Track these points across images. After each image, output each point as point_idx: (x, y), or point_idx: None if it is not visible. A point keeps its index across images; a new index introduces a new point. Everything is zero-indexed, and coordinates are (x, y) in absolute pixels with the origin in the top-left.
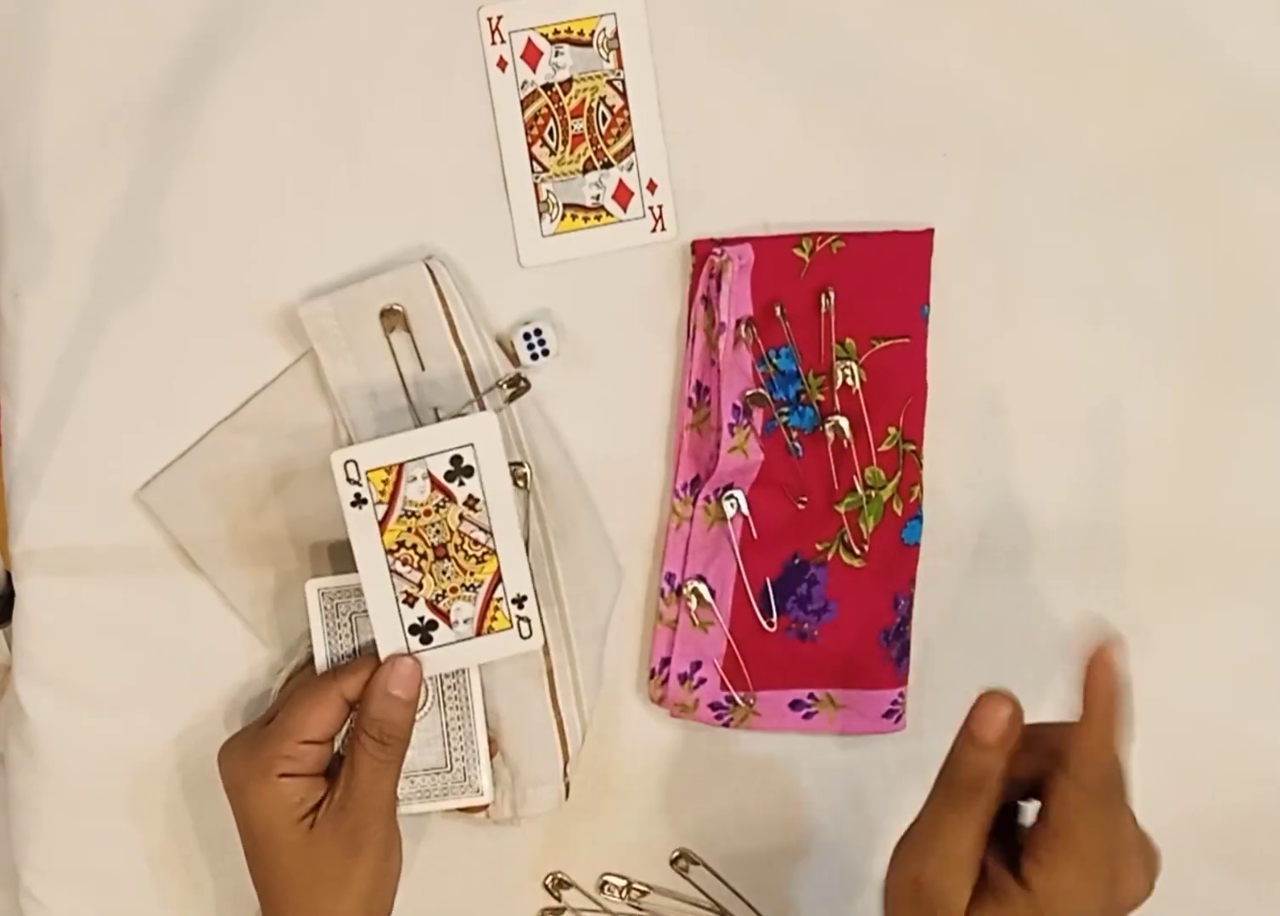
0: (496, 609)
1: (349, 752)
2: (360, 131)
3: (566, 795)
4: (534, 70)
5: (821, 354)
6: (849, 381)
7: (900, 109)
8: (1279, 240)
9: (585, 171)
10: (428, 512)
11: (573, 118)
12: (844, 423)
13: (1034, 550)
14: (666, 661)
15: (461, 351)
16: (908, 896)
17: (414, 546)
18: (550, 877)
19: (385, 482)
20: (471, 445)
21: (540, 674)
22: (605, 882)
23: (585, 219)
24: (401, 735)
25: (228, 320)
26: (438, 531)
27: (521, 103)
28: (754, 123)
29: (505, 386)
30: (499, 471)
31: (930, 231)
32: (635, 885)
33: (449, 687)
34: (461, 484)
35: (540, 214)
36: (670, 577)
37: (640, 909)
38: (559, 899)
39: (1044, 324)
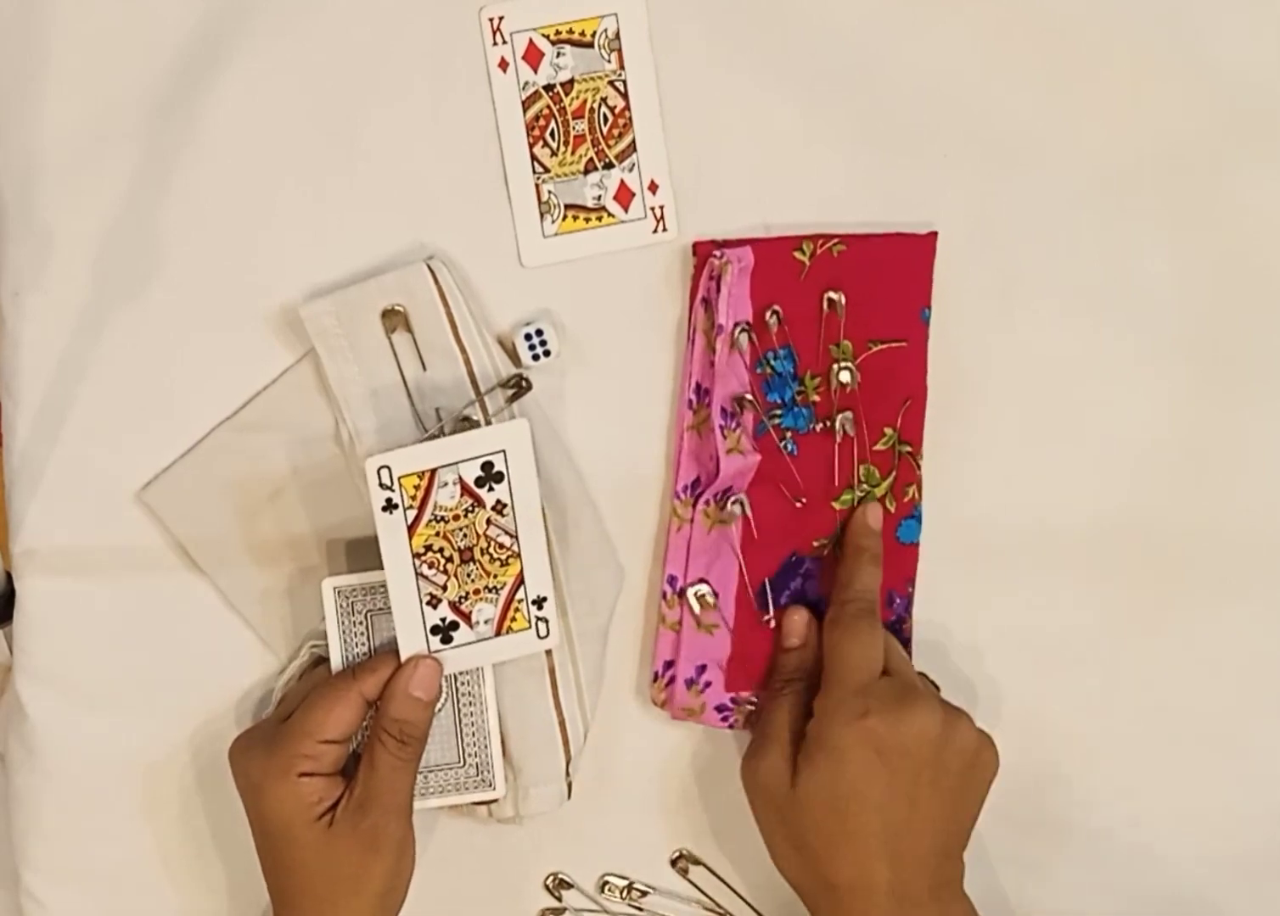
0: (517, 610)
1: (367, 751)
2: (361, 131)
3: (568, 794)
4: (535, 71)
5: (820, 356)
6: (844, 382)
7: (900, 109)
8: (1279, 240)
9: (586, 172)
10: (456, 517)
11: (574, 118)
12: (839, 422)
13: (1034, 550)
14: (669, 664)
15: (463, 352)
16: (752, 789)
17: (441, 549)
18: (550, 877)
19: (417, 488)
20: (503, 451)
21: (542, 673)
22: (605, 883)
23: (586, 219)
24: (421, 734)
25: (228, 320)
26: (465, 535)
27: (523, 103)
28: (755, 123)
29: (507, 387)
30: (528, 477)
31: (933, 235)
32: (635, 885)
33: (462, 684)
34: (491, 489)
35: (542, 214)
36: (672, 580)
37: (640, 909)
38: (559, 899)
39: (1044, 324)
